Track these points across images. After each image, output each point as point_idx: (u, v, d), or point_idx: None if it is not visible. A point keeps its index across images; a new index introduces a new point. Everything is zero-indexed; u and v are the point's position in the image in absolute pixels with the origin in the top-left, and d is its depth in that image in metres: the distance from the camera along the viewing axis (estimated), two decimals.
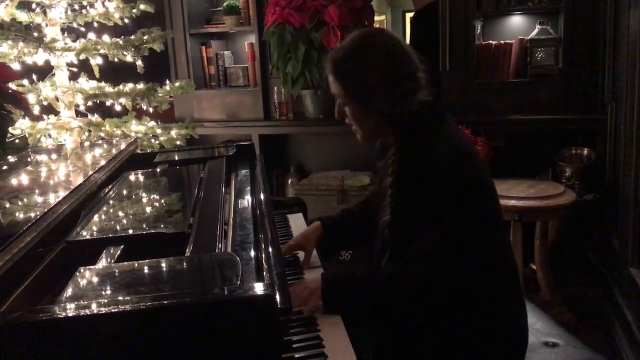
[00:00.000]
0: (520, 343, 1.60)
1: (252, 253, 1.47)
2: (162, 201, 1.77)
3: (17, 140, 2.53)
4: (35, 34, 2.99)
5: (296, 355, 1.31)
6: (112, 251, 1.36)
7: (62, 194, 1.54)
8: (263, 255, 1.41)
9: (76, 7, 3.22)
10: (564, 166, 3.33)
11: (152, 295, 1.08)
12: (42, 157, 2.20)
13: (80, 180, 1.70)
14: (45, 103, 3.14)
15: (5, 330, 0.98)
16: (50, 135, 3.13)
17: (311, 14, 3.50)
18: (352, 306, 1.50)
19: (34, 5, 3.11)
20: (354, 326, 1.67)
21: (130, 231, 1.49)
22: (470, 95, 3.50)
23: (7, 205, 1.50)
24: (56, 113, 3.22)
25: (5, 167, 1.99)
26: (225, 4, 4.05)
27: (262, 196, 1.83)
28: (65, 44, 3.07)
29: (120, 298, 1.07)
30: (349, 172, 4.06)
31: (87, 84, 3.18)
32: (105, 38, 3.15)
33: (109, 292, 1.14)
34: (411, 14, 4.66)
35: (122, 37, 3.19)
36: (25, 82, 3.10)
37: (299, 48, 3.55)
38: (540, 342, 1.80)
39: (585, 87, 3.35)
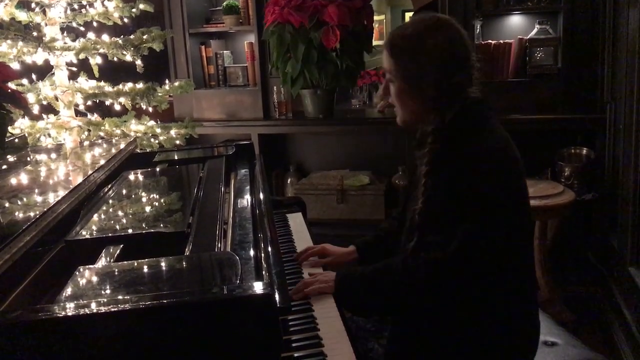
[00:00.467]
0: (532, 342, 1.59)
1: (252, 252, 1.47)
2: (162, 201, 1.77)
3: (16, 140, 2.53)
4: (35, 34, 2.99)
5: (295, 355, 1.31)
6: (111, 250, 1.36)
7: (61, 193, 1.54)
8: (262, 255, 1.42)
9: (75, 6, 3.22)
10: (563, 166, 3.34)
11: (151, 294, 1.08)
12: (42, 157, 2.20)
13: (79, 179, 1.70)
14: (44, 102, 3.14)
15: (5, 330, 0.98)
16: (49, 135, 3.13)
17: (310, 13, 3.50)
18: (364, 296, 1.53)
19: (33, 5, 3.11)
20: (366, 316, 1.69)
21: (130, 230, 1.49)
22: None
23: (7, 204, 1.50)
24: (56, 112, 3.22)
25: (4, 167, 1.99)
26: (224, 3, 4.05)
27: (261, 196, 1.84)
28: (65, 43, 3.07)
29: (120, 297, 1.07)
30: (349, 171, 4.06)
31: (86, 84, 3.18)
32: (105, 37, 3.15)
33: (108, 291, 1.15)
34: (411, 14, 4.67)
35: (122, 36, 3.19)
36: (24, 81, 3.10)
37: (299, 48, 3.55)
38: (539, 342, 1.80)
39: (585, 87, 3.35)
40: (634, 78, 2.57)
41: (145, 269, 1.24)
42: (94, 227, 1.51)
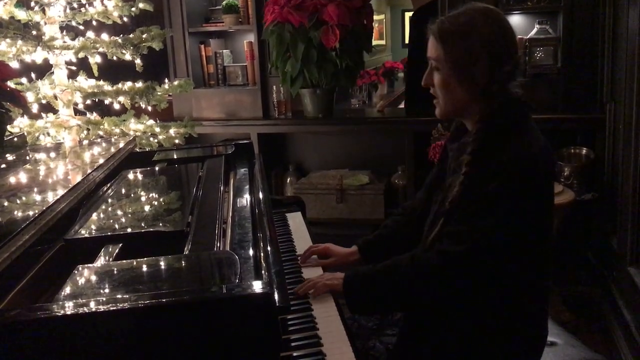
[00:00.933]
0: (539, 346, 1.59)
1: (251, 252, 1.47)
2: (161, 200, 1.77)
3: (15, 139, 2.53)
4: (34, 32, 2.98)
5: (294, 354, 1.30)
6: (110, 249, 1.36)
7: (60, 192, 1.54)
8: (262, 254, 1.41)
9: (75, 5, 3.21)
10: (563, 165, 3.33)
11: (150, 293, 1.08)
12: (41, 156, 2.20)
13: (78, 178, 1.70)
14: (43, 101, 3.14)
15: (4, 329, 0.98)
16: (48, 134, 3.13)
17: (310, 12, 3.50)
18: (374, 292, 1.52)
19: (32, 4, 3.10)
20: (374, 314, 1.69)
21: (129, 229, 1.49)
22: None
23: (6, 203, 1.50)
24: (55, 111, 3.21)
25: (3, 165, 1.99)
26: (224, 2, 4.05)
27: (260, 195, 1.84)
28: (64, 42, 3.07)
29: (119, 296, 1.07)
30: (348, 171, 4.06)
31: (85, 83, 3.18)
32: (104, 36, 3.15)
33: (107, 290, 1.14)
34: (410, 13, 4.67)
35: (121, 35, 3.18)
36: (23, 80, 3.10)
37: (298, 47, 3.54)
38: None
39: (584, 87, 3.35)
40: (634, 78, 2.57)
41: (144, 268, 1.23)
42: (93, 226, 1.51)
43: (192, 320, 1.03)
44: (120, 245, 1.38)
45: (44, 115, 3.18)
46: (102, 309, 1.00)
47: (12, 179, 1.77)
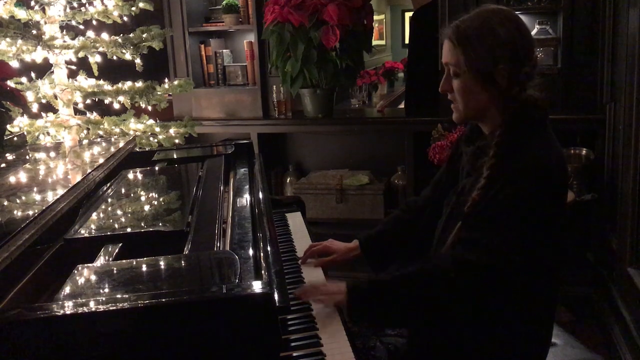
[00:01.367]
0: (545, 350, 1.59)
1: (251, 252, 1.47)
2: (161, 199, 1.77)
3: (15, 138, 2.53)
4: (34, 32, 2.98)
5: (294, 354, 1.30)
6: (110, 249, 1.36)
7: (60, 191, 1.54)
8: (261, 254, 1.41)
9: (75, 4, 3.21)
10: None
11: (150, 293, 1.08)
12: (41, 155, 2.20)
13: (78, 178, 1.70)
14: (43, 101, 3.14)
15: (3, 328, 0.98)
16: (48, 133, 3.13)
17: (310, 12, 3.50)
18: (386, 308, 1.47)
19: (32, 3, 3.10)
20: (386, 328, 1.65)
21: (129, 229, 1.49)
22: None
23: (6, 202, 1.50)
24: (55, 111, 3.21)
25: (3, 165, 1.99)
26: (224, 2, 4.05)
27: (260, 195, 1.84)
28: (64, 41, 3.07)
29: (119, 296, 1.07)
30: (348, 171, 4.06)
31: (85, 82, 3.18)
32: (104, 36, 3.15)
33: (107, 290, 1.14)
34: (410, 13, 4.67)
35: (121, 35, 3.18)
36: (23, 79, 3.10)
37: (298, 47, 3.55)
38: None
39: (584, 87, 3.35)
40: (634, 78, 2.57)
41: (144, 268, 1.23)
42: (92, 226, 1.51)
43: (191, 320, 1.03)
44: (120, 245, 1.38)
45: (43, 114, 3.18)
46: (102, 309, 1.00)
47: (12, 179, 1.77)
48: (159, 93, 3.28)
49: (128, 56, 3.18)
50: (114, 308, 1.00)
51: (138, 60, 3.19)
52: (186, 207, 1.63)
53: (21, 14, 3.01)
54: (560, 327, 1.95)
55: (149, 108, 3.30)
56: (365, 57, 3.94)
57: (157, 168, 2.17)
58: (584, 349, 1.82)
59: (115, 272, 1.22)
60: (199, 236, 1.44)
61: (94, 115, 3.29)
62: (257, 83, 4.06)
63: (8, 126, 2.31)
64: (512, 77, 1.44)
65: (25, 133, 3.00)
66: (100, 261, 1.31)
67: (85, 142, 2.69)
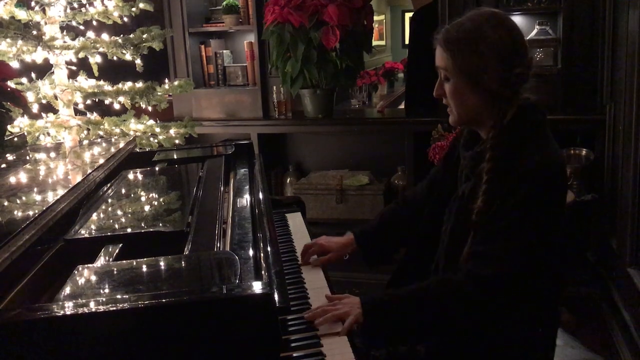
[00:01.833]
0: (552, 346, 1.59)
1: (251, 252, 1.47)
2: (161, 200, 1.77)
3: (15, 139, 2.53)
4: (34, 32, 2.98)
5: (294, 354, 1.30)
6: (110, 249, 1.36)
7: (60, 192, 1.54)
8: (261, 254, 1.41)
9: (75, 5, 3.21)
10: None
11: (150, 293, 1.08)
12: (41, 156, 2.20)
13: (78, 178, 1.70)
14: (44, 101, 3.14)
15: (3, 329, 0.98)
16: (49, 134, 3.13)
17: (310, 13, 3.50)
18: (400, 320, 1.44)
19: (33, 3, 3.10)
20: (397, 343, 1.62)
21: (129, 230, 1.49)
22: None
23: (6, 203, 1.50)
24: (55, 111, 3.22)
25: (3, 165, 1.99)
26: (224, 3, 4.05)
27: (260, 195, 1.84)
28: (64, 42, 3.07)
29: (119, 296, 1.07)
30: (348, 171, 4.07)
31: (86, 83, 3.18)
32: (105, 36, 3.15)
33: (107, 290, 1.14)
34: (410, 14, 4.67)
35: (121, 35, 3.18)
36: (24, 80, 3.10)
37: (298, 47, 3.55)
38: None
39: (584, 88, 3.35)
40: (634, 79, 2.58)
41: (145, 268, 1.23)
42: (93, 226, 1.51)
43: (191, 320, 1.03)
44: (120, 245, 1.38)
45: (44, 115, 3.18)
46: (102, 309, 1.00)
47: (12, 179, 1.78)
48: (159, 93, 3.28)
49: (128, 57, 3.18)
50: (114, 308, 1.00)
51: (138, 61, 3.20)
52: (186, 207, 1.63)
53: (21, 14, 3.01)
54: (560, 328, 1.95)
55: (149, 108, 3.30)
56: (365, 58, 3.94)
57: (157, 168, 2.17)
58: (583, 349, 1.83)
59: (115, 272, 1.22)
60: (199, 236, 1.44)
61: (94, 116, 3.30)
62: (257, 83, 4.06)
63: (8, 127, 2.31)
64: (503, 80, 1.44)
65: (26, 133, 3.00)
66: (100, 262, 1.31)
67: (85, 142, 2.69)
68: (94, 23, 3.24)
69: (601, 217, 3.28)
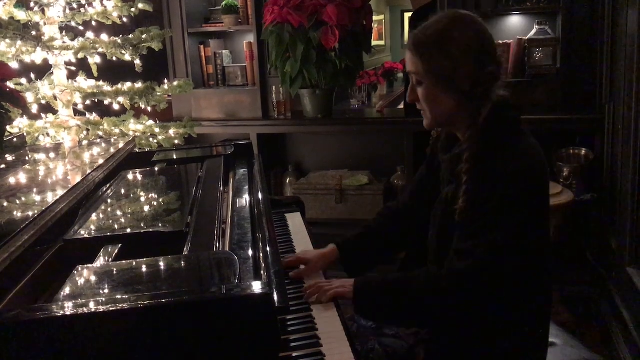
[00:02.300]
0: (544, 344, 1.60)
1: (250, 252, 1.47)
2: (160, 200, 1.77)
3: (15, 139, 2.53)
4: (34, 33, 2.98)
5: (294, 355, 1.31)
6: (109, 250, 1.36)
7: (60, 192, 1.54)
8: (261, 255, 1.42)
9: (74, 5, 3.22)
10: (562, 166, 3.34)
11: (149, 293, 1.08)
12: (40, 156, 2.20)
13: (78, 179, 1.70)
14: (43, 102, 3.14)
15: (3, 329, 0.98)
16: (48, 134, 3.13)
17: (310, 13, 3.50)
18: (385, 303, 1.51)
19: (32, 4, 3.10)
20: (385, 324, 1.67)
21: (128, 230, 1.49)
22: None
23: (5, 203, 1.50)
24: (54, 112, 3.22)
25: (3, 166, 1.99)
26: (223, 3, 4.05)
27: (260, 195, 1.84)
28: (64, 42, 3.07)
29: (118, 297, 1.07)
30: (347, 171, 4.07)
31: (85, 83, 3.18)
32: (104, 37, 3.15)
33: (106, 290, 1.14)
34: (410, 14, 4.67)
35: (121, 36, 3.18)
36: (23, 80, 3.10)
37: (298, 47, 3.55)
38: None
39: (583, 87, 3.35)
40: (633, 78, 2.58)
41: (144, 269, 1.23)
42: (92, 227, 1.51)
43: (191, 320, 1.03)
44: (120, 245, 1.38)
45: (43, 115, 3.18)
46: (102, 310, 1.00)
47: (11, 180, 1.78)
48: (158, 94, 3.28)
49: (127, 57, 3.18)
50: (114, 309, 1.00)
51: (137, 61, 3.19)
52: (186, 207, 1.63)
53: (21, 15, 3.01)
54: (559, 327, 1.95)
55: (149, 109, 3.30)
56: (365, 58, 3.94)
57: (156, 169, 2.17)
58: (583, 348, 1.82)
59: (114, 272, 1.22)
60: (199, 237, 1.44)
61: (93, 116, 3.30)
62: (257, 84, 4.06)
63: (8, 127, 2.31)
64: (475, 80, 1.44)
65: (25, 134, 3.00)
66: (99, 262, 1.31)
67: (84, 143, 2.69)
68: (93, 23, 3.24)
69: (600, 217, 3.28)
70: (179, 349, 1.02)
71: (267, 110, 4.09)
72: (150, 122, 3.34)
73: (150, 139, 3.32)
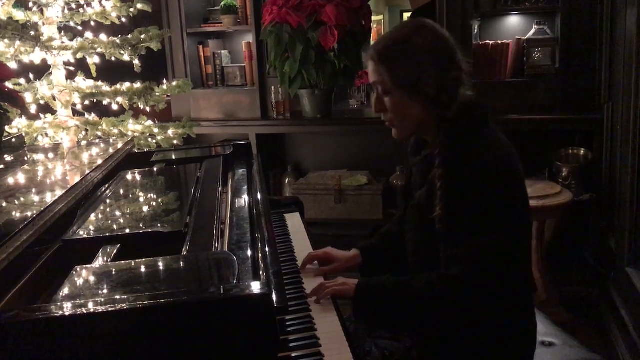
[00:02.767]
0: (532, 341, 1.60)
1: (249, 252, 1.46)
2: (159, 200, 1.77)
3: (13, 139, 2.53)
4: (32, 33, 2.98)
5: (293, 355, 1.31)
6: (108, 250, 1.36)
7: (58, 192, 1.54)
8: (260, 255, 1.41)
9: (73, 5, 3.21)
10: (561, 166, 3.34)
11: (148, 294, 1.08)
12: (39, 156, 2.19)
13: (77, 179, 1.70)
14: (42, 102, 3.13)
15: (1, 330, 0.98)
16: (47, 134, 3.13)
17: (308, 13, 3.50)
18: (382, 306, 1.51)
19: (30, 4, 3.10)
20: (381, 329, 1.66)
21: (127, 230, 1.49)
22: None
23: (4, 204, 1.50)
24: (53, 112, 3.21)
25: (2, 166, 1.99)
26: (222, 3, 4.05)
27: (259, 195, 1.84)
28: (62, 42, 3.07)
29: (117, 297, 1.07)
30: (346, 171, 4.06)
31: (84, 83, 3.17)
32: (103, 37, 3.15)
33: (105, 291, 1.14)
34: (409, 14, 4.68)
35: (120, 36, 3.18)
36: (22, 81, 3.09)
37: (297, 48, 3.55)
38: (537, 342, 1.80)
39: (582, 87, 3.35)
40: (632, 79, 2.58)
41: (143, 269, 1.23)
42: (91, 227, 1.51)
43: (190, 320, 1.03)
44: (119, 246, 1.38)
45: (42, 116, 3.18)
46: (100, 310, 1.00)
47: (10, 180, 1.77)
48: (157, 94, 3.28)
49: (126, 57, 3.17)
50: (113, 309, 1.00)
51: (136, 62, 3.19)
52: (184, 208, 1.63)
53: (19, 15, 3.01)
54: (558, 327, 1.95)
55: (148, 109, 3.29)
56: (364, 58, 3.94)
57: (155, 169, 2.17)
58: (582, 348, 1.83)
59: (113, 273, 1.22)
60: (197, 237, 1.44)
61: (92, 117, 3.29)
62: (256, 84, 4.06)
63: (6, 127, 2.31)
64: (440, 85, 1.45)
65: (24, 134, 3.00)
66: (98, 262, 1.31)
67: (83, 143, 2.68)
68: (92, 24, 3.23)
69: (599, 217, 3.28)
70: (178, 349, 1.02)
71: (266, 111, 4.09)
72: (149, 123, 3.34)
73: (149, 139, 3.31)
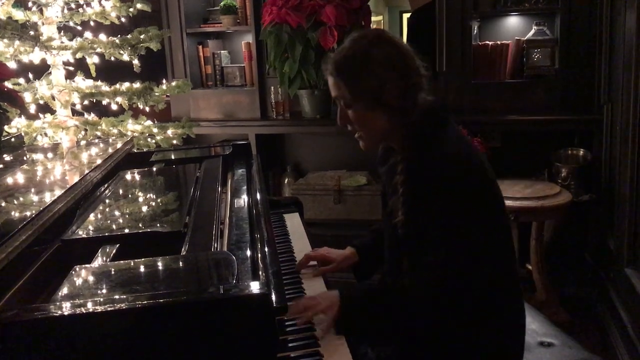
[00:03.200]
0: (519, 342, 1.60)
1: (248, 252, 1.46)
2: (158, 200, 1.77)
3: (12, 139, 2.53)
4: (32, 33, 2.98)
5: (292, 355, 1.30)
6: (107, 250, 1.36)
7: (57, 192, 1.54)
8: (259, 255, 1.41)
9: (72, 5, 3.21)
10: (560, 166, 3.34)
11: (147, 294, 1.08)
12: (38, 156, 2.19)
13: (76, 179, 1.70)
14: (41, 102, 3.13)
15: (1, 329, 0.98)
16: (46, 134, 3.13)
17: (308, 13, 3.50)
18: (368, 326, 1.49)
19: (30, 4, 3.10)
20: (366, 341, 1.65)
21: (126, 230, 1.49)
22: (466, 95, 3.51)
23: (3, 203, 1.50)
24: (52, 112, 3.21)
25: (1, 166, 1.99)
26: (222, 3, 4.05)
27: (258, 196, 1.84)
28: (62, 42, 3.07)
29: (116, 297, 1.07)
30: (346, 171, 4.06)
31: (83, 83, 3.17)
32: (102, 37, 3.15)
33: (104, 290, 1.14)
34: (408, 14, 4.67)
35: (119, 36, 3.18)
36: (21, 80, 3.09)
37: (296, 48, 3.55)
38: (535, 342, 1.81)
39: (582, 88, 3.36)
40: (631, 79, 2.58)
41: (142, 269, 1.23)
42: (90, 227, 1.51)
43: (189, 320, 1.03)
44: (118, 245, 1.38)
45: (41, 115, 3.18)
46: (99, 310, 1.00)
47: (9, 180, 1.77)
48: (156, 94, 3.28)
49: (126, 57, 3.17)
50: (112, 309, 1.00)
51: (136, 61, 3.19)
52: (184, 207, 1.63)
53: (19, 14, 3.01)
54: (557, 328, 1.95)
55: (147, 109, 3.29)
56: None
57: (154, 169, 2.17)
58: (581, 349, 1.82)
59: (112, 273, 1.22)
60: (197, 237, 1.44)
61: (91, 116, 3.29)
62: (255, 84, 4.06)
63: (6, 127, 2.31)
64: (401, 93, 1.45)
65: (23, 134, 3.00)
66: (97, 262, 1.31)
67: (82, 143, 2.68)
68: (92, 23, 3.23)
69: (599, 218, 3.28)
70: (177, 349, 1.02)
71: (265, 111, 4.09)
72: (149, 123, 3.34)
73: (149, 139, 3.31)
